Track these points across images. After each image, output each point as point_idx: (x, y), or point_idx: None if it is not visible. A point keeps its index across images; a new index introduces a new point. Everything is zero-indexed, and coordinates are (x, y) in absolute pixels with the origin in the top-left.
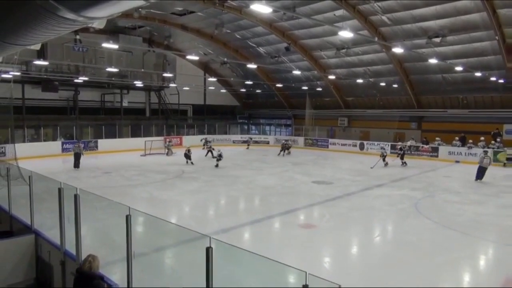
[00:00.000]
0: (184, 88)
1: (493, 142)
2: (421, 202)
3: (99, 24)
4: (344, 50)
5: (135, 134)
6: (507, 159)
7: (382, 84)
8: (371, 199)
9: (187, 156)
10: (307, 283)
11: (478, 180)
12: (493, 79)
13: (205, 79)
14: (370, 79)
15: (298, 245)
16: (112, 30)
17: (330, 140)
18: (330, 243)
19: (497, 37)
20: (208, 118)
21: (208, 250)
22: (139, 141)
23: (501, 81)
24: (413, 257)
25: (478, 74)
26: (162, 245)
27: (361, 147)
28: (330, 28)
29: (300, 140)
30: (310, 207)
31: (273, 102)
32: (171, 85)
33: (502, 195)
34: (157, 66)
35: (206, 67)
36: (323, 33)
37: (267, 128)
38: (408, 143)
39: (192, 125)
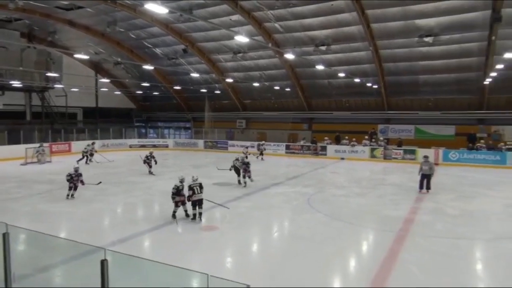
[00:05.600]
0: (73, 90)
1: (373, 140)
2: (313, 197)
3: None
4: (240, 54)
5: (13, 140)
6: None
7: (277, 87)
8: (269, 198)
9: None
10: (209, 285)
11: (422, 191)
12: (369, 84)
13: (96, 80)
14: (266, 83)
15: (201, 249)
16: None
17: (229, 142)
18: (232, 243)
19: (371, 48)
20: (101, 121)
21: (103, 263)
22: (18, 149)
23: (375, 86)
24: (307, 249)
25: (357, 80)
26: (50, 264)
27: (258, 147)
28: (227, 32)
29: (200, 142)
30: (212, 209)
31: (171, 104)
32: (56, 86)
33: (379, 187)
34: (39, 64)
35: (97, 67)
36: (220, 37)
37: (166, 131)
38: (301, 143)
39: (82, 129)
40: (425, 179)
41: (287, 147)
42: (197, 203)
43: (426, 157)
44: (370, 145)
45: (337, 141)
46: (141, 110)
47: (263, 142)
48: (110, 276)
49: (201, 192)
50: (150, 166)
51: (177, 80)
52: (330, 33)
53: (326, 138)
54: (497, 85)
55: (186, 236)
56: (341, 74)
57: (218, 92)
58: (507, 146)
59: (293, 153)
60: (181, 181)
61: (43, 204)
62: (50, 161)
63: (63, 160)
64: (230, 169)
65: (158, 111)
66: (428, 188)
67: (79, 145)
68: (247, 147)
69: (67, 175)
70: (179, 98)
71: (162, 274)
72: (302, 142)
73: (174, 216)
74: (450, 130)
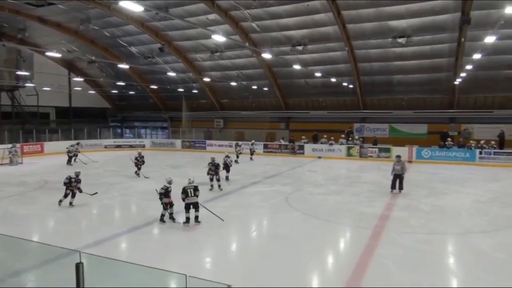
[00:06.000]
0: (45, 89)
1: (349, 139)
2: (291, 196)
3: None
4: (218, 54)
5: None
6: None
7: (254, 87)
8: (248, 197)
9: None
10: (187, 286)
11: (394, 191)
12: (344, 84)
13: (69, 79)
14: (243, 82)
15: (179, 249)
16: None
17: (207, 142)
18: (211, 243)
19: (346, 48)
20: (74, 121)
21: (78, 266)
22: None
23: (350, 86)
24: (285, 247)
25: (333, 79)
26: (22, 268)
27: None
28: (204, 31)
29: (178, 142)
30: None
31: (148, 104)
32: (27, 84)
33: (355, 184)
34: (8, 62)
35: (70, 66)
36: (197, 36)
37: (143, 131)
38: (281, 141)
39: (55, 129)
40: (397, 179)
41: (265, 146)
42: (192, 206)
43: (398, 156)
44: (347, 144)
45: (315, 140)
46: (117, 110)
47: (253, 141)
48: (86, 279)
49: (195, 195)
50: (139, 168)
51: (153, 79)
52: (306, 33)
53: (303, 137)
54: (466, 85)
55: (165, 237)
56: (318, 74)
57: (195, 91)
58: (481, 144)
59: (271, 152)
60: (169, 182)
61: (15, 207)
62: (21, 163)
63: (35, 161)
64: (222, 168)
65: (134, 111)
66: (400, 188)
67: (52, 146)
68: (240, 145)
69: (66, 178)
70: (156, 97)
71: (140, 276)
72: (282, 141)
73: (162, 219)
74: (422, 129)
